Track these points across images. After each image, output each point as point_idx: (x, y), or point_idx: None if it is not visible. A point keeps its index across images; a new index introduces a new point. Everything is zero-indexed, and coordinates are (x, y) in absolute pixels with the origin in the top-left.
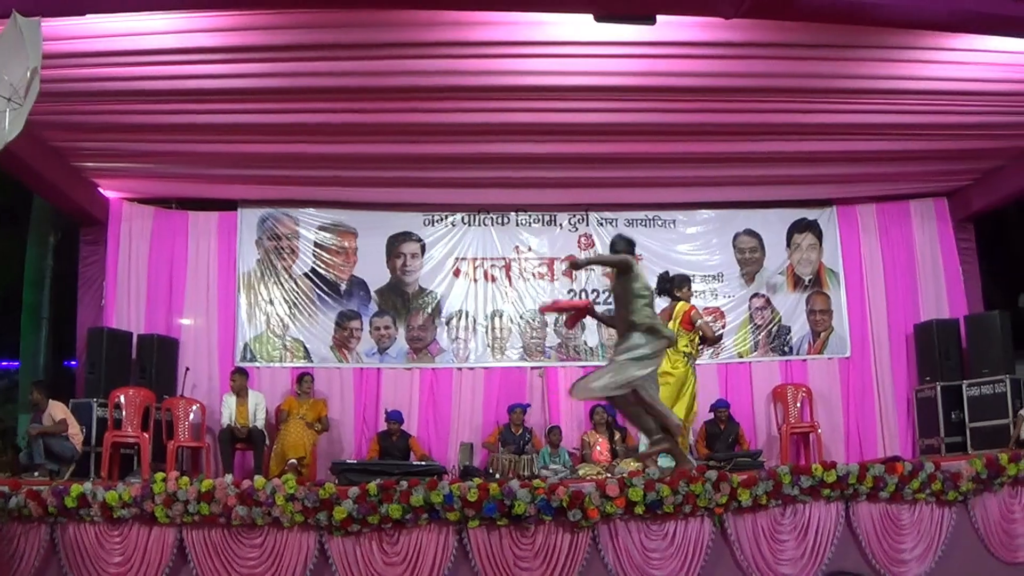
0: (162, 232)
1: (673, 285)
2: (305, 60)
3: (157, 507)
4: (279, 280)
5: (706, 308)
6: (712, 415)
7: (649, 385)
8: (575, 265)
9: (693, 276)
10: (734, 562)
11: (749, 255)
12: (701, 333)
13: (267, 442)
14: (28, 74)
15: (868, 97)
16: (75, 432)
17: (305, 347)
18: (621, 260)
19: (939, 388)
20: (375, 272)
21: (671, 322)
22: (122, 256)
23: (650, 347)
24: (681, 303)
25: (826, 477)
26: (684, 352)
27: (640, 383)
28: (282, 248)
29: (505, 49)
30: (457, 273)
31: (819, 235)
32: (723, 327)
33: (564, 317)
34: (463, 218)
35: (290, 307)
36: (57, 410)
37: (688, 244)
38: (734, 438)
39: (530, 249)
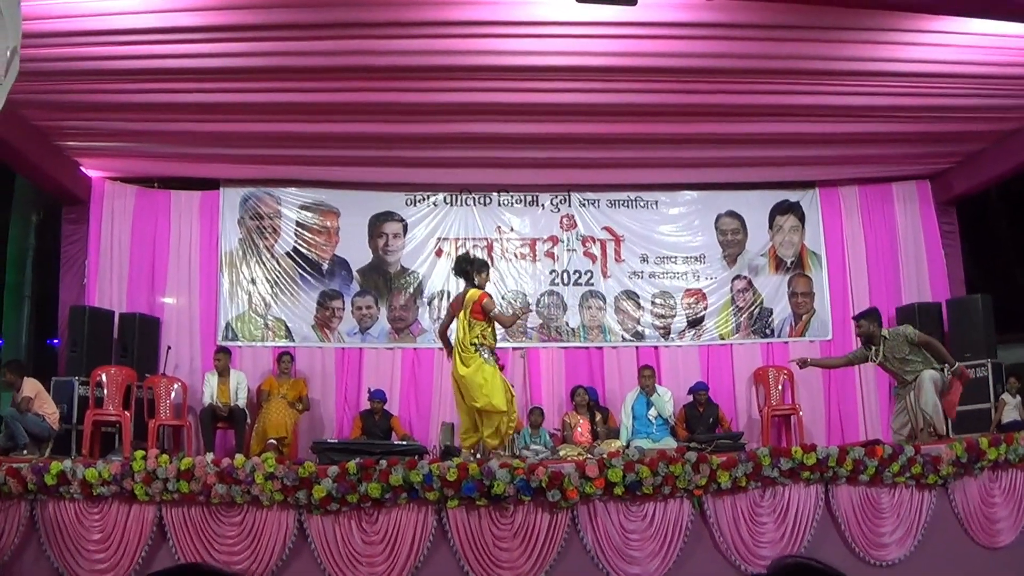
0: (144, 211)
1: (473, 268)
2: (286, 40)
3: (137, 485)
4: (261, 259)
5: (688, 290)
6: (691, 397)
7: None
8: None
9: (675, 257)
10: (713, 544)
11: (731, 237)
12: (497, 323)
13: (248, 421)
14: (8, 53)
15: (851, 79)
16: (51, 411)
17: (287, 326)
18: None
19: None
20: (357, 252)
21: (461, 311)
22: (104, 235)
23: None
24: (473, 290)
25: (806, 460)
26: (475, 344)
27: None
28: (264, 227)
29: (487, 29)
30: (439, 253)
31: (801, 217)
32: (705, 309)
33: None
34: (445, 198)
35: (272, 286)
36: (28, 388)
37: (670, 225)
38: (714, 420)
39: (512, 229)
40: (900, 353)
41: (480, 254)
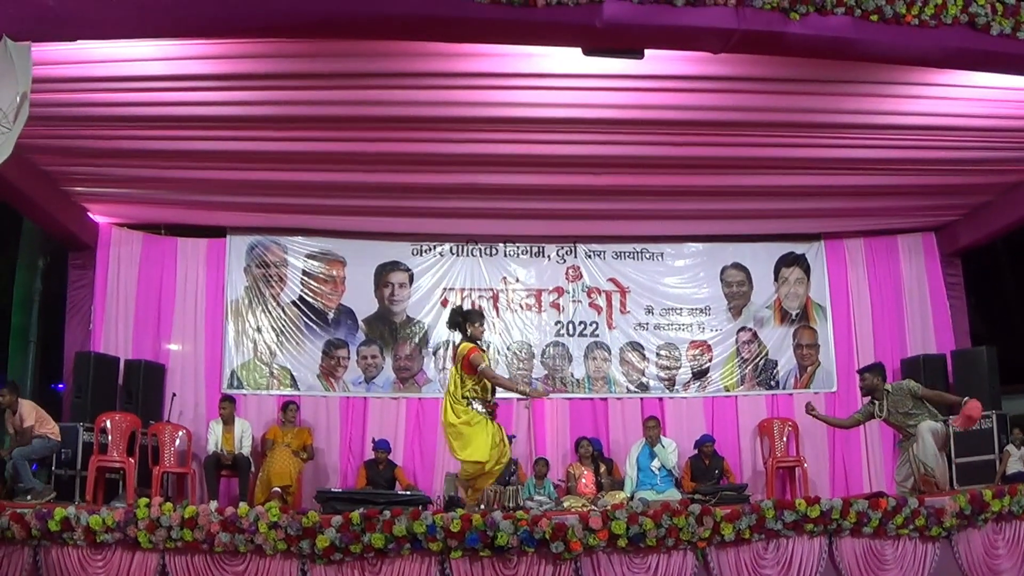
0: (151, 258)
1: (465, 320)
2: (295, 89)
3: (140, 532)
4: (267, 308)
5: (693, 341)
6: (696, 451)
7: None
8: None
9: (680, 309)
10: None
11: (737, 288)
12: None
13: (252, 469)
14: (18, 98)
15: (856, 132)
16: (52, 428)
17: (292, 375)
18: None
19: None
20: (363, 301)
21: (453, 365)
22: (111, 281)
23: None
24: (464, 343)
25: (809, 512)
26: (467, 398)
27: None
28: (270, 276)
29: (494, 81)
30: (445, 303)
31: (807, 269)
32: (710, 360)
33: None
34: (451, 248)
35: (277, 335)
36: (27, 414)
37: (676, 277)
38: (719, 472)
39: (518, 280)
40: (903, 407)
41: (485, 305)
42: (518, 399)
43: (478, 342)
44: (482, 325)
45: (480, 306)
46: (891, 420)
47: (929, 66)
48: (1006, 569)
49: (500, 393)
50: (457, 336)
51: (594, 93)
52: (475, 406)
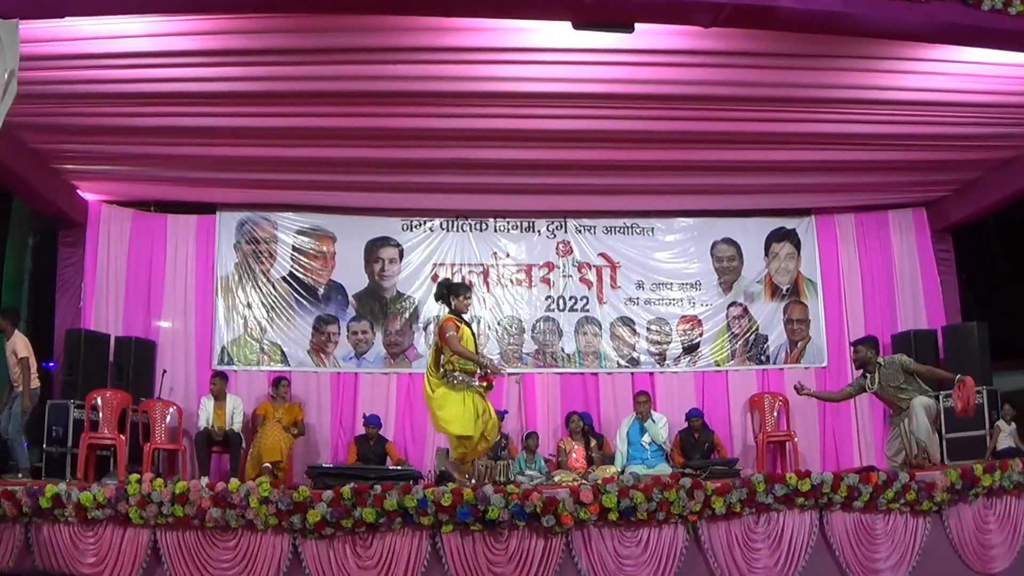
0: (141, 235)
1: (450, 292)
2: (284, 64)
3: (131, 508)
4: (257, 284)
5: (683, 316)
6: (686, 424)
7: None
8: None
9: (671, 284)
10: (708, 570)
11: (727, 264)
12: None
13: (243, 445)
14: (5, 76)
15: (846, 107)
16: (34, 371)
17: (282, 351)
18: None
19: None
20: (353, 277)
21: (436, 338)
22: (100, 258)
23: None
24: (444, 314)
25: (800, 486)
26: (445, 370)
27: None
28: (260, 252)
29: (484, 55)
30: (435, 279)
31: (797, 244)
32: (700, 335)
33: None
34: (441, 223)
35: (268, 311)
36: (21, 346)
37: (666, 252)
38: (709, 446)
39: (508, 255)
40: (895, 381)
41: (476, 280)
42: (508, 373)
43: (463, 315)
44: (468, 298)
45: (471, 281)
46: (882, 394)
47: (920, 41)
48: (997, 544)
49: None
50: (445, 310)
51: (584, 67)
52: (452, 380)
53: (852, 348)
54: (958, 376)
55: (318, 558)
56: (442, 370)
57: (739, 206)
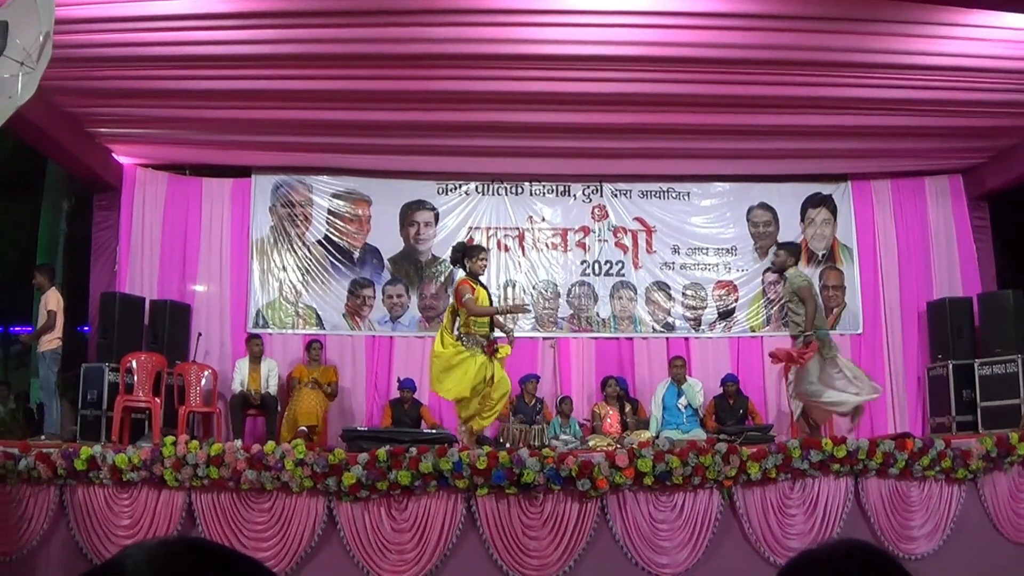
0: (176, 198)
1: (464, 255)
2: (319, 27)
3: (166, 470)
4: (292, 247)
5: (719, 281)
6: (721, 389)
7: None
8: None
9: (707, 249)
10: (742, 535)
11: (763, 229)
12: (470, 312)
13: (279, 408)
14: (41, 38)
15: (883, 72)
16: (58, 334)
17: (317, 314)
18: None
19: (951, 366)
20: (388, 240)
21: (452, 300)
22: (135, 222)
23: None
24: (460, 276)
25: (836, 452)
26: (460, 332)
27: None
28: (295, 215)
29: (519, 17)
30: (471, 243)
31: (833, 210)
32: (736, 301)
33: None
34: (477, 187)
35: (303, 274)
36: (52, 301)
37: (702, 217)
38: (744, 411)
39: (543, 219)
40: (787, 299)
41: (511, 244)
42: (543, 338)
43: (479, 277)
44: (483, 260)
45: (507, 245)
46: (783, 310)
47: (957, 6)
48: None
49: (525, 332)
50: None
51: (620, 30)
52: (466, 343)
53: (774, 250)
54: (808, 334)
55: (353, 520)
56: (456, 332)
57: (775, 171)
